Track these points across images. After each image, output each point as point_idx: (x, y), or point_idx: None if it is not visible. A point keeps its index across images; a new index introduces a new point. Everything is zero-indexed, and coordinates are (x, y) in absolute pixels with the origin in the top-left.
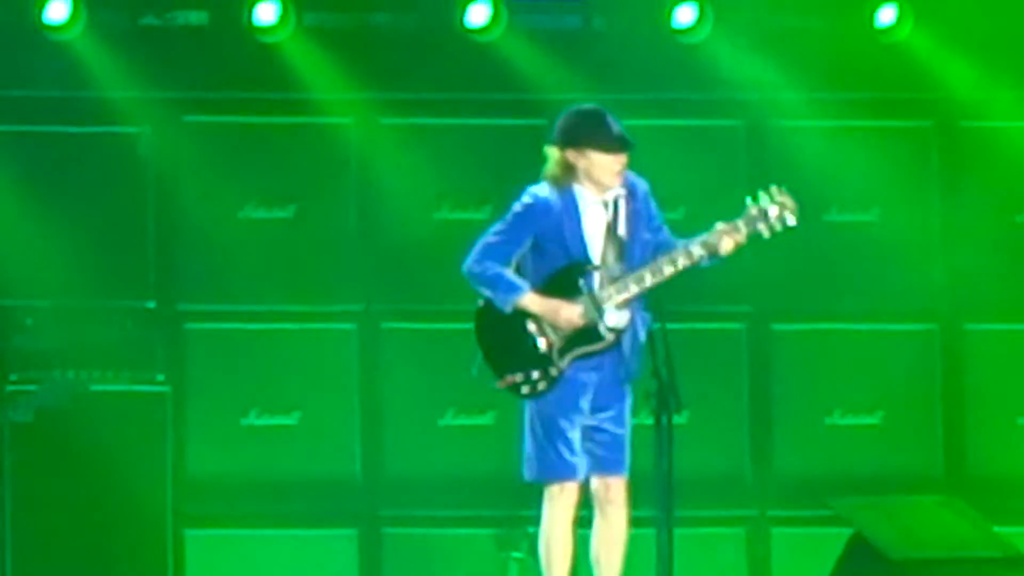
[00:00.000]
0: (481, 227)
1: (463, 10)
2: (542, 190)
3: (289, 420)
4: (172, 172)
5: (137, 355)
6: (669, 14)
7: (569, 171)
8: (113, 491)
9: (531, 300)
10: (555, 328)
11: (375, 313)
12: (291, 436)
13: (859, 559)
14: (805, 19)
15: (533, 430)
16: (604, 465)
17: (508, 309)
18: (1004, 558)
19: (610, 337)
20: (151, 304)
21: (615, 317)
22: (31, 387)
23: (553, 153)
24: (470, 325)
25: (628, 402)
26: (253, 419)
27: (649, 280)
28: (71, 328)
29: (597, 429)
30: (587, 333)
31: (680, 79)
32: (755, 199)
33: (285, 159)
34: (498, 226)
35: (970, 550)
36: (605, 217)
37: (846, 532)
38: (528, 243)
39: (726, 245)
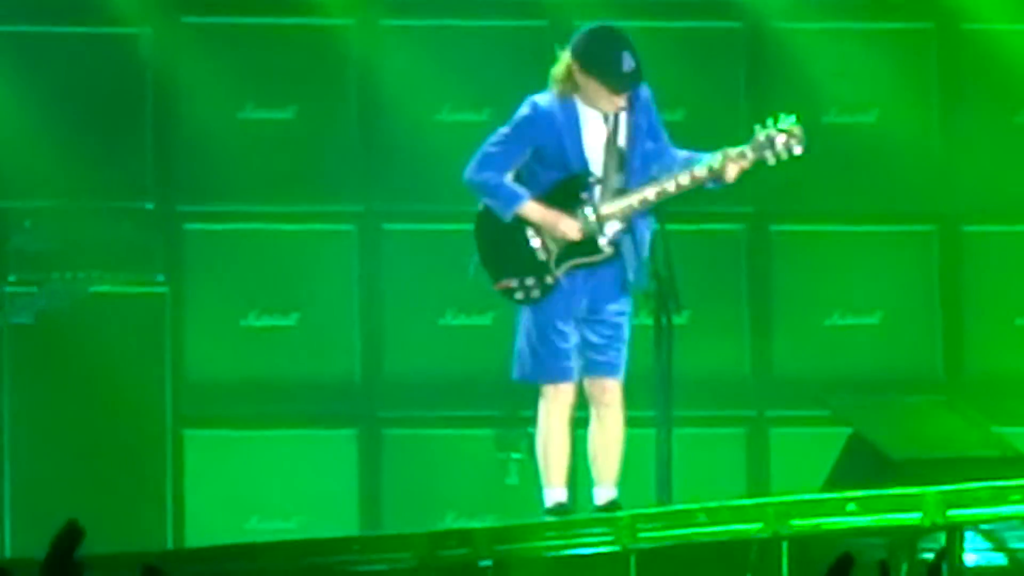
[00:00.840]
0: (481, 129)
1: None
2: (543, 99)
3: (288, 321)
4: (171, 73)
5: (136, 256)
6: None
7: (574, 84)
8: (112, 392)
9: (531, 209)
10: (553, 237)
11: (375, 214)
12: (290, 337)
13: (858, 459)
14: None
15: (527, 331)
16: (598, 367)
17: (508, 217)
18: (1003, 458)
19: (608, 250)
20: (150, 205)
21: (614, 230)
22: (30, 289)
23: (565, 59)
24: (470, 226)
25: (627, 307)
26: (252, 320)
27: (652, 196)
28: (70, 229)
29: (593, 333)
30: (585, 244)
31: None
32: (763, 126)
33: (285, 60)
34: (499, 135)
35: (969, 450)
36: (606, 130)
37: (845, 432)
38: (528, 153)
39: (731, 171)
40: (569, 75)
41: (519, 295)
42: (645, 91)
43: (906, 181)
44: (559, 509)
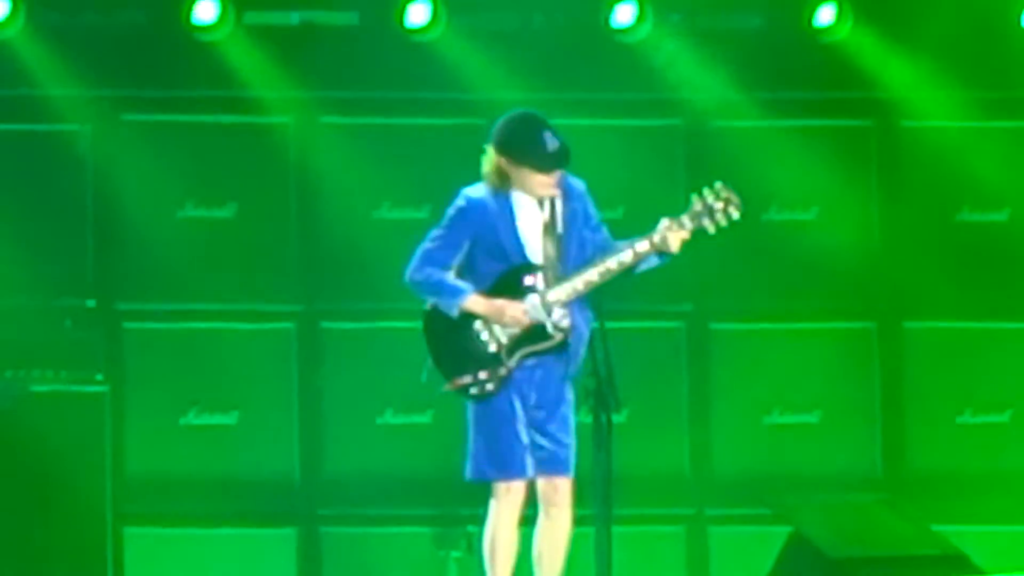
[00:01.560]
0: (421, 226)
1: (403, 9)
2: (476, 191)
3: (228, 419)
4: (111, 170)
5: (76, 354)
6: (608, 13)
7: (503, 177)
8: (52, 490)
9: (475, 302)
10: (502, 328)
11: (314, 312)
12: (230, 435)
13: (798, 558)
14: (744, 18)
15: (479, 429)
16: (551, 465)
17: (455, 313)
18: (942, 556)
19: (558, 336)
20: (90, 303)
21: (560, 315)
22: None
23: (490, 155)
24: (408, 324)
25: (571, 401)
26: (192, 418)
27: (596, 278)
28: (9, 327)
29: (543, 430)
30: (535, 332)
31: (619, 78)
32: (699, 194)
33: (224, 158)
34: (435, 232)
35: (909, 549)
36: (541, 216)
37: (785, 531)
38: (466, 246)
39: (672, 240)
40: (498, 169)
41: (474, 390)
42: (580, 184)
43: (846, 278)
44: None
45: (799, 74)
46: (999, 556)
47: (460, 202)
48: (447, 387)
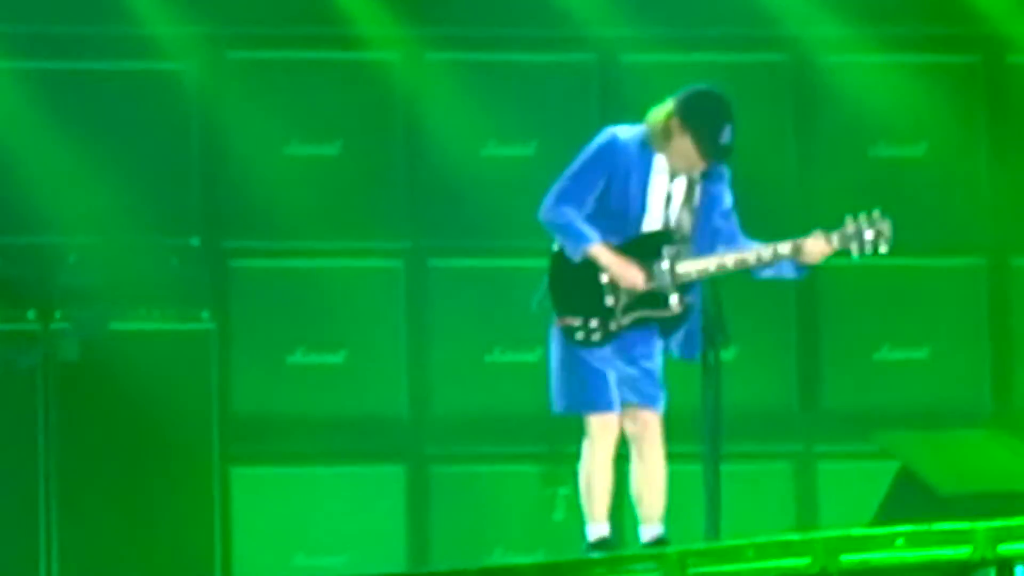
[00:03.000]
0: (527, 163)
1: None
2: (624, 132)
3: (335, 358)
4: (216, 109)
5: (182, 292)
6: None
7: (666, 134)
8: (159, 429)
9: (601, 252)
10: (623, 284)
11: (421, 250)
12: (337, 374)
13: (907, 494)
14: None
15: (564, 364)
16: (637, 395)
17: (577, 257)
18: None
19: (677, 308)
20: (196, 241)
21: (686, 289)
22: (74, 324)
23: (668, 108)
24: (516, 262)
25: (658, 338)
26: (299, 357)
27: (731, 265)
28: (115, 265)
29: (629, 366)
30: (656, 298)
31: (726, 15)
32: (855, 217)
33: (330, 95)
34: (572, 168)
35: (1018, 484)
36: (670, 187)
37: (893, 467)
38: (602, 185)
39: (814, 252)
40: (666, 124)
41: (580, 335)
42: (726, 169)
43: (954, 213)
44: (602, 544)
45: (907, 9)
46: None
47: (604, 138)
48: (556, 323)
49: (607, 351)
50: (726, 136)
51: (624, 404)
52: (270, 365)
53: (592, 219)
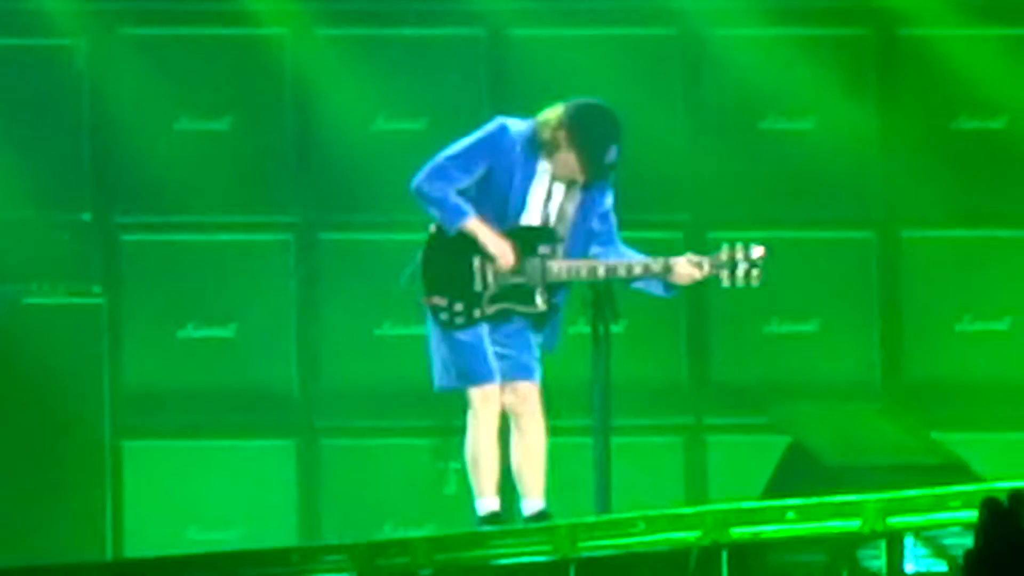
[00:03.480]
0: (417, 138)
1: None
2: (515, 125)
3: (226, 332)
4: (107, 84)
5: (73, 267)
6: None
7: (553, 142)
8: (50, 403)
9: (478, 226)
10: (496, 273)
11: (311, 224)
12: (228, 348)
13: (797, 467)
14: None
15: (440, 339)
16: (512, 371)
17: (453, 230)
18: (942, 465)
19: (542, 306)
20: (87, 216)
21: (553, 289)
22: None
23: (559, 115)
24: (406, 236)
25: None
26: (190, 331)
27: (602, 272)
28: (6, 241)
29: (502, 341)
30: (522, 293)
31: None
32: (731, 246)
33: (219, 70)
34: (455, 149)
35: (908, 457)
36: (548, 188)
37: (783, 440)
38: (479, 174)
39: (684, 274)
40: (553, 132)
41: (443, 316)
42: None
43: (843, 187)
44: (492, 518)
45: None
46: (998, 463)
47: (493, 127)
48: (422, 300)
49: (479, 330)
50: (611, 156)
51: (502, 377)
52: (161, 339)
53: (471, 204)
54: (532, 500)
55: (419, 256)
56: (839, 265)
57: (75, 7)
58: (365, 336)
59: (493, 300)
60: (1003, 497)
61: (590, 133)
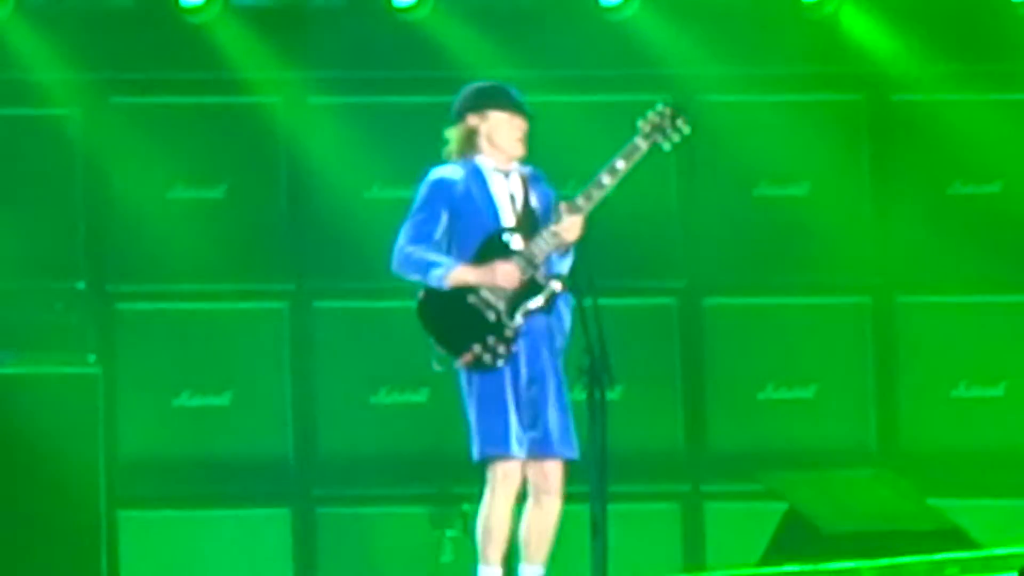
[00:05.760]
0: (409, 205)
1: None
2: (444, 168)
3: (221, 400)
4: (101, 153)
5: (68, 336)
6: None
7: (470, 140)
8: (45, 473)
9: (464, 271)
10: (495, 292)
11: (306, 291)
12: (223, 416)
13: (794, 534)
14: None
15: (477, 409)
16: (541, 447)
17: (444, 285)
18: (937, 531)
19: (553, 285)
20: (81, 285)
21: (545, 266)
22: None
23: (453, 130)
24: (400, 303)
25: (563, 379)
26: (185, 400)
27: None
28: (0, 310)
29: (535, 410)
30: (528, 288)
31: (607, 55)
32: (643, 118)
33: (214, 139)
34: (412, 212)
35: (904, 523)
36: (507, 186)
37: (780, 507)
38: (445, 218)
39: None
40: (465, 132)
41: (487, 357)
42: (541, 171)
43: (839, 252)
44: None
45: (789, 49)
46: (995, 530)
47: (430, 177)
48: (459, 364)
49: (507, 392)
50: (515, 94)
51: (530, 453)
52: (156, 408)
53: (458, 247)
54: (534, 567)
55: (428, 335)
56: (834, 331)
57: (69, 76)
58: (361, 404)
59: (511, 313)
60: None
61: (484, 92)
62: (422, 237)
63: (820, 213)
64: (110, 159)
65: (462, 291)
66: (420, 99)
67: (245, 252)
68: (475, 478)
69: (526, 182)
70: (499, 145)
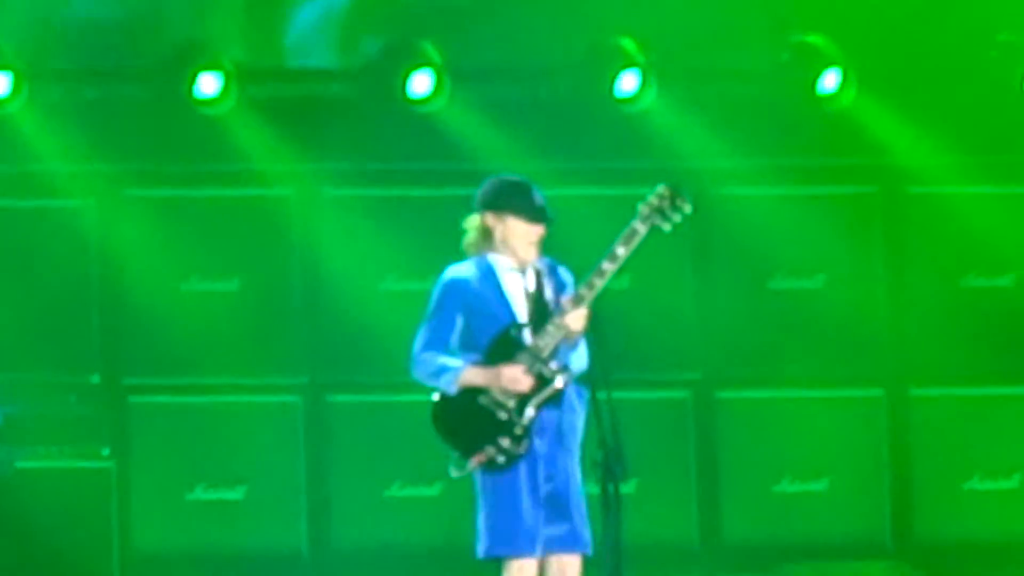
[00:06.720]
0: (426, 297)
1: (405, 81)
2: (457, 268)
3: (235, 494)
4: (115, 245)
5: (81, 430)
6: (612, 83)
7: (487, 237)
8: (60, 567)
9: (472, 373)
10: (505, 391)
11: (320, 385)
12: (237, 510)
13: None
14: (748, 86)
15: (486, 505)
16: (560, 544)
17: (453, 390)
18: None
19: (562, 376)
20: (95, 378)
21: (553, 361)
22: None
23: (473, 220)
24: (414, 397)
25: (579, 476)
26: (199, 494)
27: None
28: (15, 403)
29: (553, 506)
30: (536, 384)
31: (623, 148)
32: (643, 201)
33: (228, 231)
34: (427, 316)
35: None
36: (522, 282)
37: None
38: (460, 321)
39: (570, 314)
40: (482, 228)
41: (501, 458)
42: (566, 271)
43: (852, 345)
44: None
45: (804, 141)
46: None
47: (444, 278)
48: (472, 465)
49: (523, 489)
50: (538, 198)
51: (547, 549)
52: (170, 502)
53: (474, 344)
54: None
55: (443, 437)
56: (848, 423)
57: (83, 168)
58: (375, 497)
59: (521, 410)
60: None
61: (506, 192)
62: (435, 343)
63: (834, 305)
64: (124, 251)
65: (473, 392)
66: (435, 191)
67: (259, 345)
68: (488, 572)
69: (540, 276)
70: (512, 248)
